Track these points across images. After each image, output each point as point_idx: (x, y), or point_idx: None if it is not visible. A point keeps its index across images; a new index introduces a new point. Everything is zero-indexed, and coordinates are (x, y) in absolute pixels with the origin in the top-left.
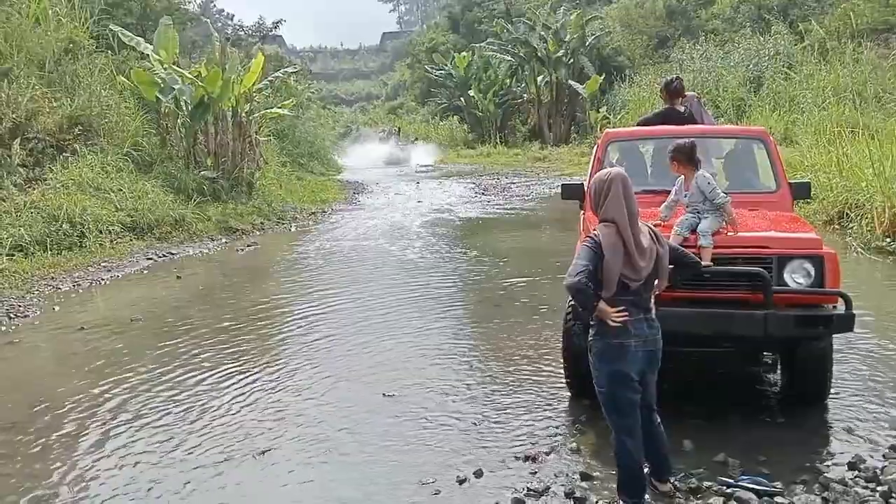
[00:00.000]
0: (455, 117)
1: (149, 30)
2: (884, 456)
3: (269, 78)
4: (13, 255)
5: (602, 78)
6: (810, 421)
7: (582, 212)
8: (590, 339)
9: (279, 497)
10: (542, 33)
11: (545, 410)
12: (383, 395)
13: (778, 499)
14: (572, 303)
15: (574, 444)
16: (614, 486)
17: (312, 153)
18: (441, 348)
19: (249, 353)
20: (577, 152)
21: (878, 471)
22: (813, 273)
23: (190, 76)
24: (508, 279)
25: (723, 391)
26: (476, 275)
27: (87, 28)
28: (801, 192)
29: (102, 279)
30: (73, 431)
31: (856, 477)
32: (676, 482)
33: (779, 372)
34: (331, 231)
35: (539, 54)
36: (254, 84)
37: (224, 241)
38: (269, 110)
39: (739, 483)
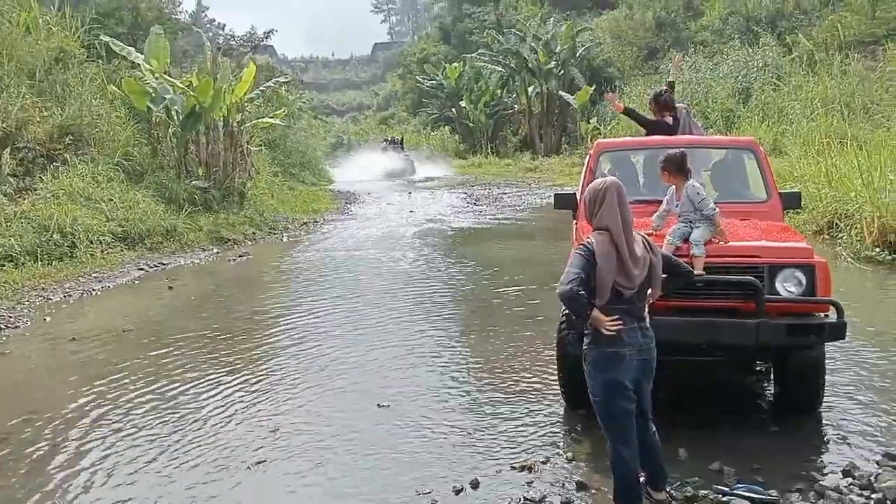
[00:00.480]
0: (446, 128)
1: (140, 39)
2: (877, 463)
3: (261, 88)
4: (3, 266)
5: (592, 89)
6: (804, 429)
7: (575, 221)
8: (584, 347)
9: None
10: (533, 44)
11: (540, 420)
12: (377, 405)
13: None
14: (566, 312)
15: (570, 453)
16: (610, 495)
17: (304, 163)
18: (435, 358)
19: (242, 363)
20: (568, 163)
21: (872, 478)
22: (804, 282)
23: (181, 86)
24: (501, 288)
25: (716, 400)
26: (469, 284)
27: (78, 37)
28: (792, 201)
29: (93, 289)
30: (66, 443)
31: (850, 484)
32: (672, 491)
33: (771, 381)
34: (323, 241)
35: (530, 65)
36: (245, 94)
37: (216, 251)
38: (260, 120)
39: (735, 491)
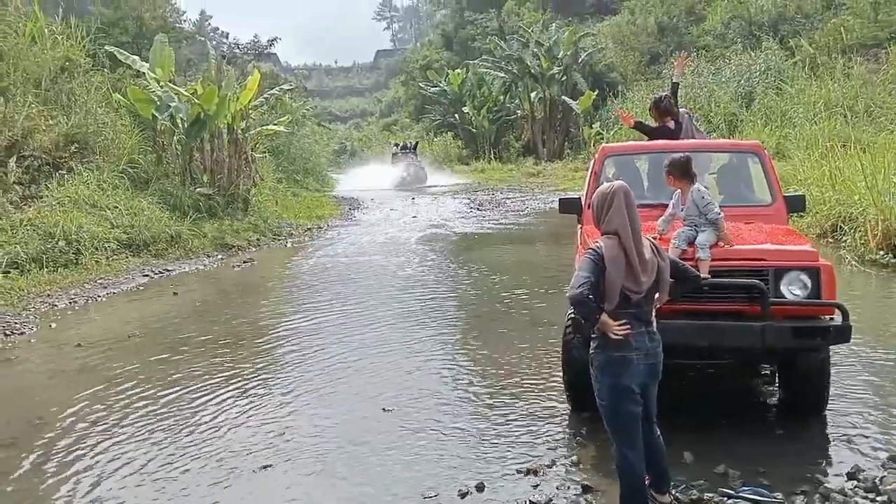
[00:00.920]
0: (449, 134)
1: (144, 48)
2: (882, 466)
3: (265, 95)
4: (9, 273)
5: (595, 94)
6: (809, 432)
7: (580, 226)
8: (591, 351)
9: None
10: (536, 50)
11: (546, 424)
12: (383, 409)
13: None
14: (572, 316)
15: (575, 457)
16: (616, 498)
17: (308, 169)
18: (440, 363)
19: (247, 368)
20: (571, 168)
21: (877, 481)
22: (809, 285)
23: (186, 94)
24: (506, 293)
25: (722, 404)
26: (473, 289)
27: (84, 46)
28: (796, 204)
29: (99, 296)
30: (71, 448)
31: (855, 487)
32: (678, 494)
33: (777, 384)
34: (327, 247)
35: (532, 71)
36: (250, 101)
37: (220, 257)
38: (264, 127)
39: (740, 494)
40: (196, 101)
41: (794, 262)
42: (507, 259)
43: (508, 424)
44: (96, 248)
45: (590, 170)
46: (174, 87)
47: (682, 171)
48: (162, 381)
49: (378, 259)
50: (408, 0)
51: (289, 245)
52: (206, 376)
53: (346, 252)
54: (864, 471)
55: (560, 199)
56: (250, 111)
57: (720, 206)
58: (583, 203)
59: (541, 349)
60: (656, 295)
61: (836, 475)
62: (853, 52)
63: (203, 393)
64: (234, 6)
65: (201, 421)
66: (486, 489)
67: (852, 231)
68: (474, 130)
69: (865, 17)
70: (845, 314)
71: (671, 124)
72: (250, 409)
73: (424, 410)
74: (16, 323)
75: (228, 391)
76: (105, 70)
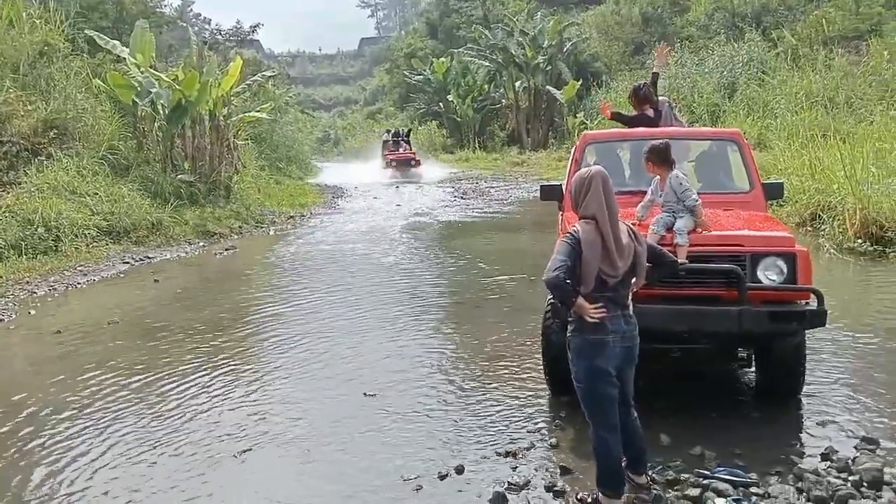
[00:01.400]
0: (434, 122)
1: (125, 33)
2: (855, 447)
3: (247, 82)
4: None
5: (579, 84)
6: (785, 415)
7: (560, 213)
8: (568, 335)
9: (260, 496)
10: (520, 39)
11: (525, 407)
12: (364, 394)
13: (753, 489)
14: (551, 301)
15: (554, 439)
16: (593, 479)
17: (291, 157)
18: (421, 348)
19: (228, 355)
20: (555, 157)
21: (849, 461)
22: (785, 270)
23: (167, 80)
24: (488, 280)
25: (699, 387)
26: (456, 277)
27: (62, 31)
28: (775, 192)
29: (78, 283)
30: (51, 435)
31: (829, 467)
32: (654, 474)
33: (754, 368)
34: (309, 235)
35: (517, 60)
36: (231, 88)
37: (201, 244)
38: (246, 114)
39: (716, 474)
40: (177, 87)
41: (771, 247)
42: (490, 247)
43: (489, 408)
44: (76, 235)
45: (571, 157)
46: (155, 72)
47: (661, 158)
48: (141, 367)
49: (361, 247)
50: None
51: (271, 233)
52: (186, 363)
53: (329, 240)
54: (837, 452)
55: (541, 187)
56: (232, 98)
57: (699, 193)
58: (564, 190)
59: (522, 335)
60: (633, 279)
61: (811, 456)
62: (834, 44)
63: (183, 379)
64: None
65: (181, 406)
66: (465, 471)
67: (831, 220)
68: (459, 119)
69: (847, 10)
70: (820, 299)
71: (650, 112)
72: (231, 394)
73: (405, 395)
74: None
75: (208, 377)
76: (84, 55)
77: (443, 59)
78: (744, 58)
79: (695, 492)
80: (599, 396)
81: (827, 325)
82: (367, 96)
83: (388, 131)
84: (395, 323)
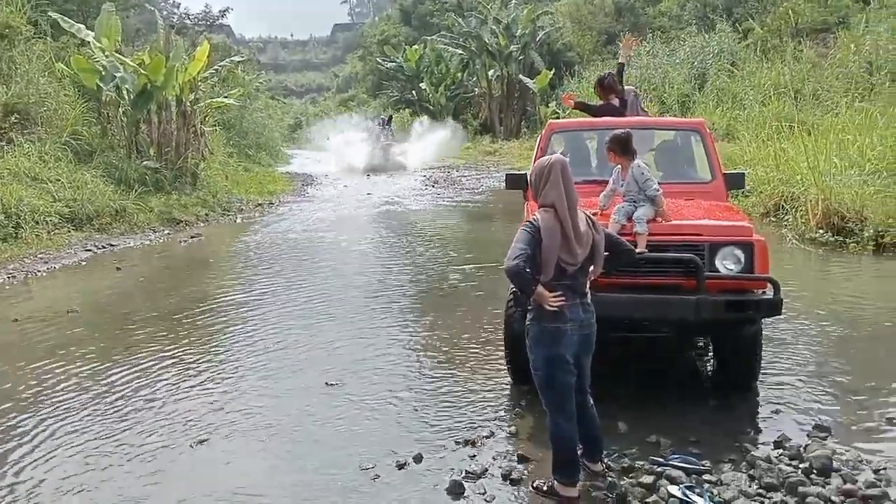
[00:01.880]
0: (407, 110)
1: (90, 16)
2: (808, 435)
3: (216, 67)
4: None
5: (552, 73)
6: (741, 403)
7: (525, 202)
8: (527, 323)
9: (216, 486)
10: (494, 27)
11: (487, 396)
12: (326, 383)
13: (706, 476)
14: (514, 290)
15: (513, 428)
16: (550, 467)
17: (260, 144)
18: (387, 337)
19: (188, 344)
20: (528, 146)
21: (801, 449)
22: (743, 259)
23: (132, 64)
24: (456, 269)
25: (658, 375)
26: (424, 265)
27: (25, 13)
28: (736, 182)
29: (39, 271)
30: (7, 424)
31: (781, 455)
32: (610, 462)
33: (711, 356)
34: (277, 223)
35: (490, 48)
36: (199, 73)
37: (167, 232)
38: (214, 100)
39: (669, 462)
40: (143, 71)
41: (729, 237)
42: (459, 236)
43: (450, 397)
44: (37, 222)
45: (537, 146)
46: (120, 56)
47: (623, 148)
48: (98, 356)
49: (329, 236)
50: None
51: (238, 221)
52: (144, 352)
53: (297, 228)
54: (790, 439)
55: (507, 175)
56: (200, 83)
57: (661, 183)
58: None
59: (487, 323)
60: (591, 267)
61: (764, 444)
62: (803, 36)
63: (140, 368)
64: None
65: (137, 396)
66: (423, 460)
67: (794, 210)
68: (432, 107)
69: (816, 2)
70: (777, 288)
71: (615, 101)
72: (189, 384)
73: (368, 384)
74: None
75: (167, 366)
76: (48, 38)
77: (416, 46)
78: (714, 49)
79: (649, 479)
80: (557, 384)
81: (788, 314)
82: (339, 83)
83: (370, 119)
84: (360, 312)
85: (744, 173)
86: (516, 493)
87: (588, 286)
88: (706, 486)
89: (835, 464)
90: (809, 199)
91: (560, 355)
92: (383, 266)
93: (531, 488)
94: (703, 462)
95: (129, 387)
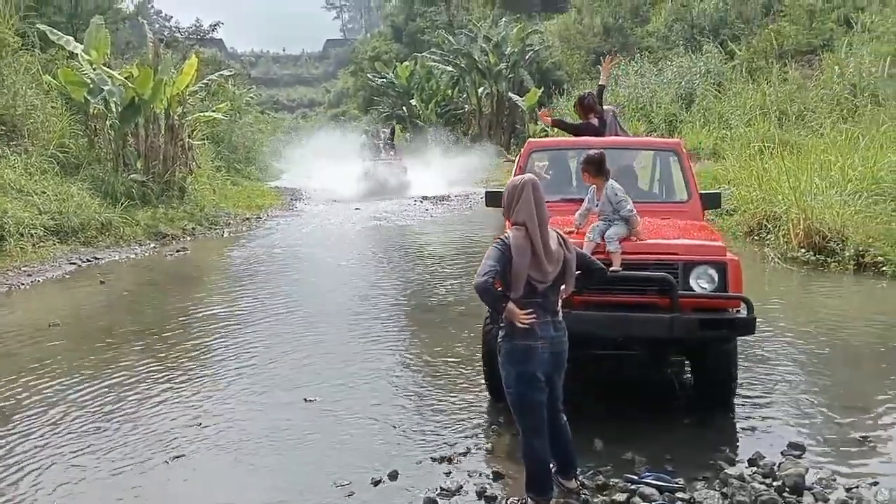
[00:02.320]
0: (398, 126)
1: (80, 29)
2: (782, 453)
3: (205, 81)
4: None
5: (541, 91)
6: (717, 421)
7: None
8: (499, 341)
9: (189, 501)
10: (484, 45)
11: (465, 413)
12: (304, 399)
13: (679, 494)
14: None
15: (490, 445)
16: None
17: (250, 158)
18: (367, 353)
19: (169, 359)
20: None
21: (775, 467)
22: (717, 279)
23: (120, 77)
24: (442, 285)
25: (634, 393)
26: (409, 281)
27: (12, 25)
28: (712, 201)
29: (22, 284)
30: None
31: (754, 473)
32: (584, 479)
33: (686, 374)
34: (264, 237)
35: (480, 66)
36: (187, 86)
37: (153, 246)
38: (202, 114)
39: (643, 479)
40: (130, 85)
41: (703, 256)
42: (446, 251)
43: (428, 414)
44: (22, 235)
45: (515, 164)
46: (108, 70)
47: (597, 168)
48: (77, 371)
49: (315, 251)
50: None
51: (225, 235)
52: (124, 367)
53: (284, 243)
54: (764, 457)
55: (486, 192)
56: (188, 97)
57: (638, 202)
58: None
59: (467, 340)
60: (562, 286)
61: (739, 462)
62: (788, 58)
63: (119, 383)
64: None
65: (115, 411)
66: (399, 477)
67: (776, 229)
68: (422, 124)
69: (801, 24)
70: (750, 307)
71: (594, 121)
72: (168, 399)
73: (346, 401)
74: None
75: (147, 381)
76: (36, 50)
77: (407, 63)
78: (701, 69)
79: (622, 496)
80: (528, 402)
81: (768, 332)
82: (331, 98)
83: (366, 131)
84: (343, 328)
85: (720, 193)
86: None
87: (559, 304)
88: (678, 503)
89: (807, 482)
90: (791, 218)
91: (531, 373)
92: (368, 282)
93: None
94: (677, 479)
95: (108, 400)
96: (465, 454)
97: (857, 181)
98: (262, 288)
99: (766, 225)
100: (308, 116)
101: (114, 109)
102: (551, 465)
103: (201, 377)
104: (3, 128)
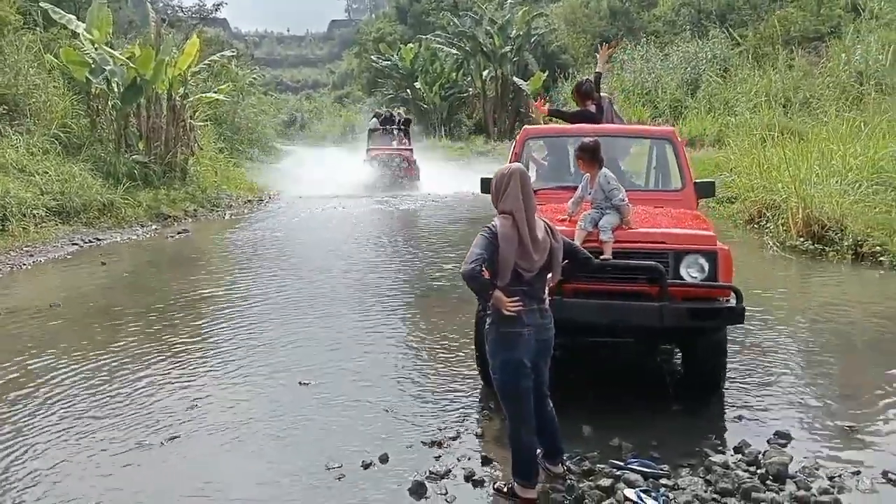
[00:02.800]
0: (402, 109)
1: (82, 8)
2: (767, 441)
3: (207, 61)
4: None
5: (546, 75)
6: (705, 409)
7: None
8: (486, 328)
9: (181, 483)
10: (489, 28)
11: (456, 398)
12: (299, 383)
13: (663, 480)
14: None
15: (479, 429)
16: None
17: (252, 140)
18: (363, 337)
19: (167, 340)
20: None
21: (760, 455)
22: (707, 268)
23: (122, 57)
24: (440, 270)
25: (624, 381)
26: (408, 265)
27: (14, 3)
28: (706, 190)
29: (24, 264)
30: None
31: (739, 460)
32: (571, 465)
33: (675, 362)
34: (266, 219)
35: (485, 49)
36: (189, 67)
37: (154, 227)
38: (205, 94)
39: (628, 466)
40: (132, 65)
41: (693, 245)
42: (446, 236)
43: (421, 399)
44: (24, 215)
45: (511, 150)
46: (109, 49)
47: (591, 156)
48: (76, 351)
49: (316, 234)
50: None
51: (227, 217)
52: (123, 347)
53: (284, 226)
54: (750, 445)
55: (482, 179)
56: (190, 77)
57: (632, 191)
58: None
59: (463, 325)
60: (548, 274)
61: (724, 449)
62: (796, 44)
63: (117, 364)
64: None
65: (117, 391)
66: (389, 460)
67: (775, 218)
68: (426, 107)
69: (809, 11)
70: (739, 297)
71: (592, 108)
72: (165, 380)
73: (340, 385)
74: None
75: (145, 362)
76: (38, 29)
77: (411, 45)
78: (707, 55)
79: (607, 482)
80: (515, 388)
81: (764, 321)
82: (335, 80)
83: (378, 115)
84: (339, 312)
85: (713, 182)
86: (477, 494)
87: (546, 292)
88: (662, 489)
89: (791, 470)
90: (790, 207)
91: (518, 359)
92: (366, 266)
93: (492, 489)
94: (662, 466)
95: (105, 381)
96: (455, 438)
97: (857, 170)
98: (261, 271)
99: (765, 213)
100: (312, 97)
101: (115, 89)
102: (538, 451)
103: (199, 359)
104: (5, 107)
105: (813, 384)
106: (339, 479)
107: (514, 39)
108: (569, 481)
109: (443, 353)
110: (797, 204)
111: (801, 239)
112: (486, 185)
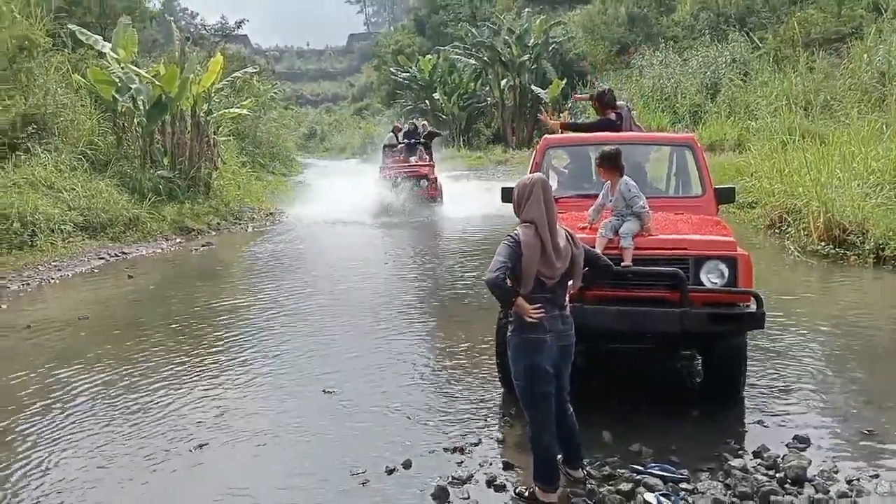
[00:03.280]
0: (424, 120)
1: (109, 28)
2: (787, 445)
3: (229, 77)
4: None
5: (564, 83)
6: (725, 414)
7: None
8: (508, 334)
9: (209, 489)
10: (507, 38)
11: (478, 404)
12: (323, 391)
13: (683, 485)
14: None
15: (501, 435)
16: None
17: (274, 154)
18: (386, 346)
19: (194, 351)
20: None
21: (778, 459)
22: (727, 273)
23: (147, 76)
24: (459, 279)
25: (644, 386)
26: (428, 275)
27: (44, 26)
28: (726, 196)
29: (52, 278)
30: (15, 429)
31: (758, 465)
32: (591, 469)
33: (696, 367)
34: (288, 232)
35: (503, 58)
36: (212, 84)
37: (178, 241)
38: (227, 110)
39: (648, 470)
40: (157, 83)
41: (713, 251)
42: (465, 246)
43: (443, 405)
44: (52, 230)
45: (531, 160)
46: (135, 68)
47: (612, 163)
48: (106, 363)
49: (337, 245)
50: None
51: (249, 230)
52: (151, 359)
53: (306, 238)
54: (769, 449)
55: (503, 189)
56: (213, 94)
57: (652, 198)
58: None
59: (483, 332)
60: (570, 281)
61: (744, 454)
62: (817, 46)
63: (146, 375)
64: None
65: (142, 402)
66: (412, 466)
67: (796, 223)
68: (444, 117)
69: (829, 12)
70: (759, 302)
71: (613, 116)
72: (193, 391)
73: (365, 393)
74: None
75: (172, 373)
76: (66, 50)
77: (430, 56)
78: (727, 59)
79: (627, 486)
80: (537, 393)
81: (785, 326)
82: (354, 92)
83: (396, 129)
84: (363, 322)
85: (734, 188)
86: (499, 498)
87: (567, 299)
88: (682, 493)
89: (809, 474)
90: (811, 211)
91: (540, 365)
92: (387, 276)
93: (514, 494)
94: (682, 471)
95: (133, 393)
96: (476, 444)
97: (879, 173)
98: (284, 283)
99: (786, 218)
100: (332, 110)
101: (141, 107)
102: (558, 456)
103: (225, 369)
104: (35, 126)
105: (833, 389)
106: (364, 484)
107: (531, 48)
108: (589, 486)
109: (464, 360)
110: (818, 208)
111: (822, 243)
112: (506, 194)
